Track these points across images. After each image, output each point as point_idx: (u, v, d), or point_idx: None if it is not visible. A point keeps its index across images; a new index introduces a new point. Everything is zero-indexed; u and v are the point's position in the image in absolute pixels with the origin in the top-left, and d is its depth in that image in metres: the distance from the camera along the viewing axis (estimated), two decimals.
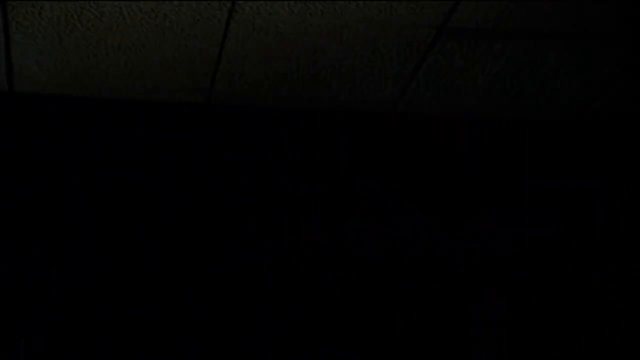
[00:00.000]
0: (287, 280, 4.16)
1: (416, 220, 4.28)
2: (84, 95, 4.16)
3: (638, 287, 4.32)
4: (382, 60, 3.90)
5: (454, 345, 4.21)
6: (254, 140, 4.27)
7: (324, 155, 4.30)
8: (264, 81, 4.06)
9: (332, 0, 3.49)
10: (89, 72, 3.96)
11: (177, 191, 4.17)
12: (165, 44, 3.76)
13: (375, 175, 4.29)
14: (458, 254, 4.26)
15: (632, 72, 4.02)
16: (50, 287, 4.03)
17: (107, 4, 3.49)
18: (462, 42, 3.78)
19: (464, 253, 4.27)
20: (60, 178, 4.13)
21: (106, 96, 4.17)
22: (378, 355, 4.16)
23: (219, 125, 4.27)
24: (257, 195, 4.22)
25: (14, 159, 4.11)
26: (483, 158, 4.37)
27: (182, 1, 3.48)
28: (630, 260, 4.33)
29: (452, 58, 3.89)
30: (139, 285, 4.09)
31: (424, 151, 4.34)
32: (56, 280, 4.04)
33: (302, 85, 4.10)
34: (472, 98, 4.22)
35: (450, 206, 4.30)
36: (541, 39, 3.77)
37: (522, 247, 4.31)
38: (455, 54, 3.86)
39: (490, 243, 4.29)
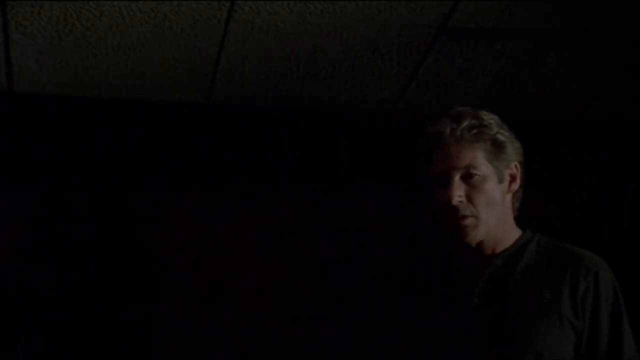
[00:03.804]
0: (287, 281, 4.16)
1: (416, 220, 4.28)
2: (84, 95, 4.16)
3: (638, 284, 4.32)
4: (382, 60, 3.90)
5: None
6: (254, 140, 4.27)
7: (324, 155, 4.30)
8: (264, 81, 4.06)
9: (332, 0, 3.49)
10: (89, 72, 3.96)
11: (177, 191, 4.17)
12: (165, 44, 3.76)
13: (375, 175, 4.28)
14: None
15: (632, 72, 4.02)
16: (50, 287, 4.03)
17: (106, 4, 3.49)
18: (462, 42, 3.78)
19: None
20: (60, 178, 4.12)
21: (106, 96, 4.17)
22: None
23: (219, 125, 4.27)
24: (257, 195, 4.21)
25: (14, 159, 4.11)
26: None
27: (182, 1, 3.48)
28: (631, 258, 4.33)
29: (452, 58, 3.89)
30: (139, 285, 4.09)
31: None
32: (56, 280, 4.04)
33: (302, 85, 4.10)
34: (472, 98, 4.21)
35: None
36: (541, 39, 3.77)
37: None
38: (455, 54, 3.86)
39: None
